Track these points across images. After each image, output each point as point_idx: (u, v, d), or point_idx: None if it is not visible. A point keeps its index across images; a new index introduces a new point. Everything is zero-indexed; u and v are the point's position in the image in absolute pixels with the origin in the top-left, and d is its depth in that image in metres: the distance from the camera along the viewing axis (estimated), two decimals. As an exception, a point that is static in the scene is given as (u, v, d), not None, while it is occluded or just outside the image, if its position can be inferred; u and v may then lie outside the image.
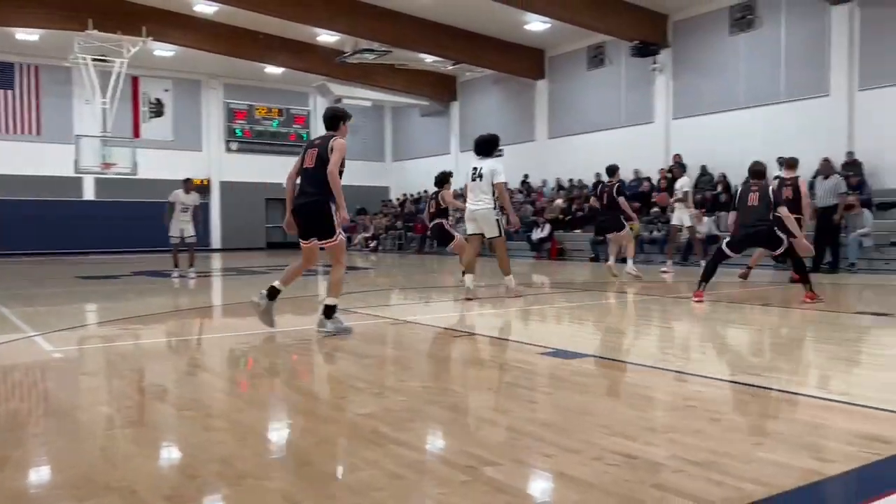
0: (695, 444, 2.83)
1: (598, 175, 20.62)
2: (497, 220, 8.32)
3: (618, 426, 3.10)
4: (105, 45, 20.40)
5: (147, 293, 10.32)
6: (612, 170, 11.56)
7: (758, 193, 7.98)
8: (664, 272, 12.74)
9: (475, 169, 8.40)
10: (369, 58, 21.80)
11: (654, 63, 19.02)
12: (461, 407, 3.55)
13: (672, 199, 12.63)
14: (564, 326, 6.74)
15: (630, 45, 18.83)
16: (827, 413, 3.33)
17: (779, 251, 8.09)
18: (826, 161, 12.90)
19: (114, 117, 21.88)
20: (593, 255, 17.96)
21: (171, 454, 2.84)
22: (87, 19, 19.31)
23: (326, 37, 22.08)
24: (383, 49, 21.20)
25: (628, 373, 4.32)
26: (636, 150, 19.84)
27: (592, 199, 12.50)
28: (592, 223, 16.11)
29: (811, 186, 14.72)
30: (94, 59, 20.74)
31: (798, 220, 9.49)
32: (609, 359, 4.73)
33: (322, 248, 5.83)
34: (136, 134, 24.62)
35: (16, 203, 23.13)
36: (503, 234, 8.42)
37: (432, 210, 9.88)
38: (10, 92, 23.52)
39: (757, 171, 8.37)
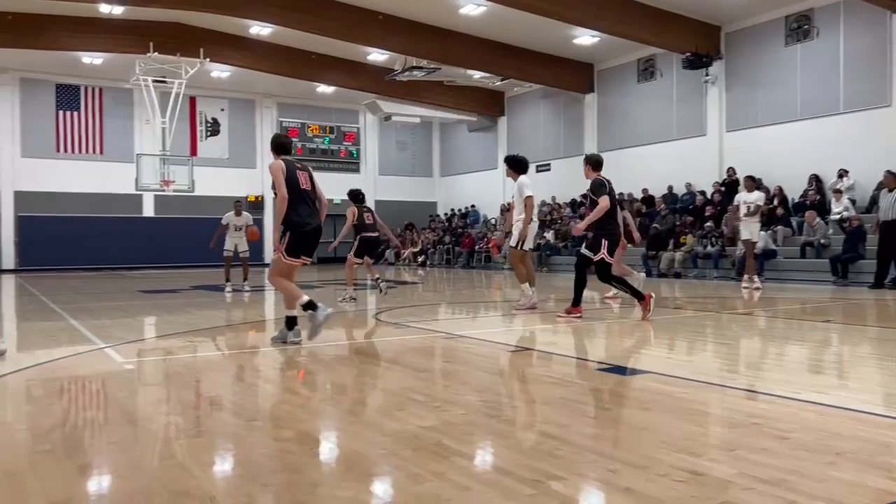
0: (763, 461, 2.80)
1: (645, 191, 20.49)
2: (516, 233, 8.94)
3: (681, 443, 3.09)
4: (165, 67, 21.16)
5: (205, 306, 10.60)
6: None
7: None
8: (749, 288, 12.29)
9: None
10: (418, 75, 22.07)
11: (707, 75, 18.78)
12: (521, 421, 3.58)
13: (742, 214, 12.26)
14: (619, 342, 6.70)
15: (682, 57, 18.64)
16: (898, 432, 3.26)
17: None
18: (890, 174, 12.53)
19: (172, 136, 22.63)
20: (645, 270, 17.75)
21: (243, 463, 2.93)
22: (149, 42, 20.07)
23: (377, 55, 22.45)
24: (432, 66, 21.45)
25: (688, 389, 4.29)
26: (688, 164, 19.60)
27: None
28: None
29: (874, 200, 14.30)
30: (155, 81, 21.52)
31: None
32: (668, 375, 4.69)
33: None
34: (194, 152, 25.36)
35: (80, 220, 24.05)
36: (518, 246, 8.86)
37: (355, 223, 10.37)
38: (76, 113, 24.52)
39: None
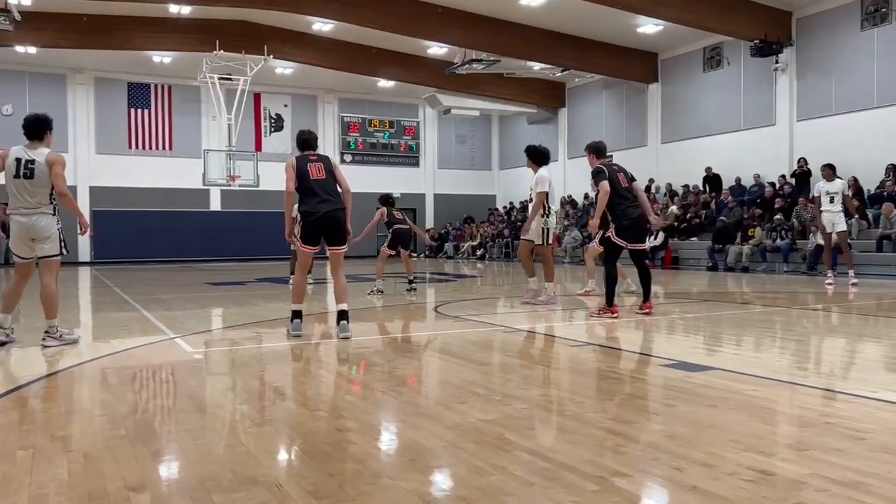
0: (837, 462, 2.70)
1: (708, 169, 19.92)
2: (543, 228, 9.04)
3: (750, 441, 3.00)
4: (230, 65, 21.71)
5: (271, 298, 10.85)
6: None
7: None
8: (832, 283, 11.76)
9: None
10: (478, 68, 22.01)
11: (777, 62, 18.15)
12: (583, 417, 3.54)
13: (820, 206, 11.60)
14: (685, 338, 6.55)
15: (750, 45, 18.06)
16: None
17: None
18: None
19: (238, 132, 23.23)
20: (711, 264, 17.33)
21: (308, 452, 2.99)
22: (215, 41, 20.63)
23: (436, 49, 22.50)
24: (492, 58, 21.36)
25: (757, 387, 4.16)
26: (756, 154, 19.03)
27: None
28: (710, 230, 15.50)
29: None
30: (221, 78, 22.11)
31: None
32: (736, 372, 4.56)
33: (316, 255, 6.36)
34: (258, 147, 25.95)
35: (150, 214, 24.95)
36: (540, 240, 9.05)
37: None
38: (146, 111, 25.39)
39: None
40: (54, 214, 5.87)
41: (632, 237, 7.51)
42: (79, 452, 2.98)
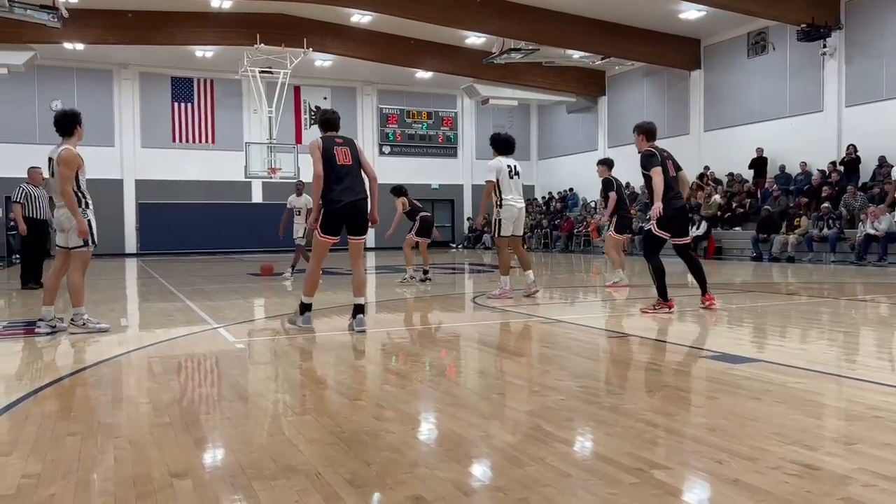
0: (886, 457, 2.63)
1: (759, 149, 19.45)
2: (494, 220, 8.73)
3: (794, 435, 2.94)
4: (270, 58, 21.95)
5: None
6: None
7: None
8: None
9: (511, 167, 8.56)
10: (517, 57, 21.85)
11: (824, 47, 17.63)
12: (622, 408, 3.50)
13: None
14: (727, 329, 6.43)
15: (796, 29, 17.58)
16: None
17: None
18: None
19: (278, 125, 23.49)
20: (755, 254, 16.99)
21: (347, 441, 3.02)
22: (256, 34, 20.87)
23: (474, 39, 22.40)
24: (530, 47, 21.18)
25: (802, 379, 4.07)
26: (803, 142, 18.55)
27: None
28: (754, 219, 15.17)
29: None
30: (261, 72, 22.37)
31: None
32: (780, 364, 4.46)
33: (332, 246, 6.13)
34: (299, 140, 26.19)
35: (194, 206, 25.40)
36: (497, 234, 8.78)
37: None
38: (189, 105, 25.83)
39: None
40: (82, 208, 6.10)
41: (675, 230, 7.05)
42: (125, 439, 3.06)
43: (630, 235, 10.65)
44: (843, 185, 16.56)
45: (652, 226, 7.00)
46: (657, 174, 6.77)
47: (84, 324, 6.15)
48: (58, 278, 6.26)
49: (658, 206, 6.79)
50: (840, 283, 10.67)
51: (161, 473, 2.60)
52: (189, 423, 3.33)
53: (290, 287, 11.12)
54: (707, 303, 7.13)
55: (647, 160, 6.89)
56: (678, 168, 7.18)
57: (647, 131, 7.13)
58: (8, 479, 2.57)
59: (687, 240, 7.31)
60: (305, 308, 6.15)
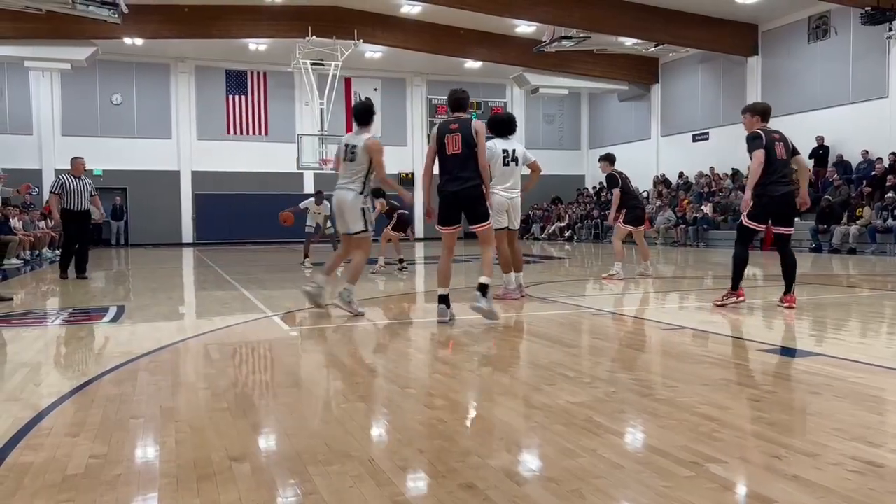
0: (955, 456, 2.53)
1: (820, 139, 18.84)
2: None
3: (856, 430, 2.85)
4: (322, 50, 22.18)
5: (363, 279, 11.05)
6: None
7: None
8: None
9: (507, 152, 7.39)
10: (567, 45, 21.60)
11: (890, 30, 16.96)
12: (675, 401, 3.45)
13: None
14: (785, 322, 6.27)
15: (860, 12, 16.93)
16: None
17: None
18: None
19: (329, 116, 23.74)
20: (814, 246, 16.50)
21: (399, 428, 3.06)
22: (307, 27, 21.11)
23: (524, 28, 22.23)
24: (581, 35, 20.91)
25: (864, 374, 3.94)
26: (866, 129, 17.91)
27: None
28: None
29: None
30: (313, 64, 22.64)
31: None
32: (840, 358, 4.33)
33: (461, 234, 6.18)
34: (349, 131, 26.40)
35: (248, 197, 25.90)
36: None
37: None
38: (243, 97, 26.31)
39: None
40: (362, 193, 6.36)
41: (776, 218, 6.56)
42: (184, 423, 3.16)
43: (643, 227, 10.37)
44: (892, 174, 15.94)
45: (742, 217, 6.65)
46: (755, 158, 6.31)
47: (350, 301, 6.40)
48: (340, 256, 6.99)
49: (746, 196, 6.45)
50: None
51: (220, 457, 2.67)
52: (246, 408, 3.41)
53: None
54: (787, 303, 6.69)
55: (750, 142, 6.43)
56: (793, 152, 6.61)
57: (761, 111, 6.62)
58: (76, 458, 2.68)
59: (790, 230, 6.74)
60: (441, 300, 5.96)
